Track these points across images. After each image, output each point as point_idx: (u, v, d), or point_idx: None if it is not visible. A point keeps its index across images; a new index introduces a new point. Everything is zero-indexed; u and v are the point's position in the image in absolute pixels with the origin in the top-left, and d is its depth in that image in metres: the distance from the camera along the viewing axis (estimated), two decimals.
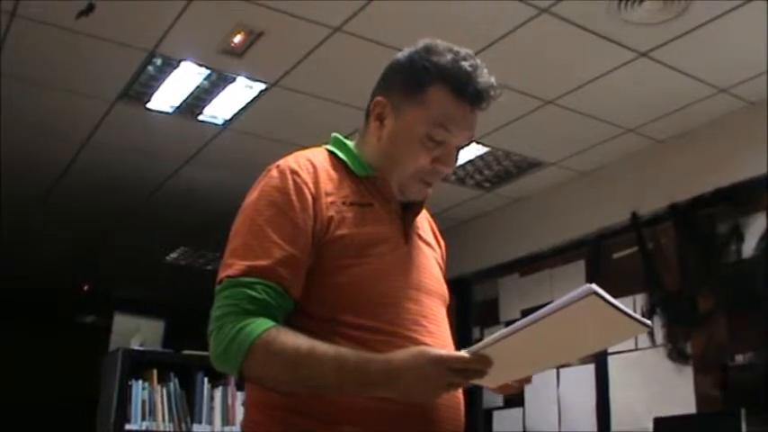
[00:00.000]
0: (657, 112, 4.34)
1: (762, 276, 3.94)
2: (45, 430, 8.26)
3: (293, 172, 1.50)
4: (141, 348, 4.28)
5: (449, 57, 1.53)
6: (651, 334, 4.39)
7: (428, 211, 1.71)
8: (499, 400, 5.40)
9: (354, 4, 3.41)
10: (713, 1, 3.32)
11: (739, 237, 4.13)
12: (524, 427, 5.23)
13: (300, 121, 4.47)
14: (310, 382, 1.36)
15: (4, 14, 3.49)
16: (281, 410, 1.43)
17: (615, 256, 4.85)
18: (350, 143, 1.64)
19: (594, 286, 1.23)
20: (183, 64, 3.95)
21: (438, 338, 1.51)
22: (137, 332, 4.44)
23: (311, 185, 1.49)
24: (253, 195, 1.51)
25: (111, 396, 4.04)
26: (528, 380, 1.60)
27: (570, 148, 4.82)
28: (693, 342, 4.26)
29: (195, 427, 4.12)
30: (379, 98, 1.59)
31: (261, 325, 1.37)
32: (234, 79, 4.10)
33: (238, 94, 4.26)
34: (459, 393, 1.52)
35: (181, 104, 4.37)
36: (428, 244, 1.65)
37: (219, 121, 4.59)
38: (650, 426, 4.15)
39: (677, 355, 4.30)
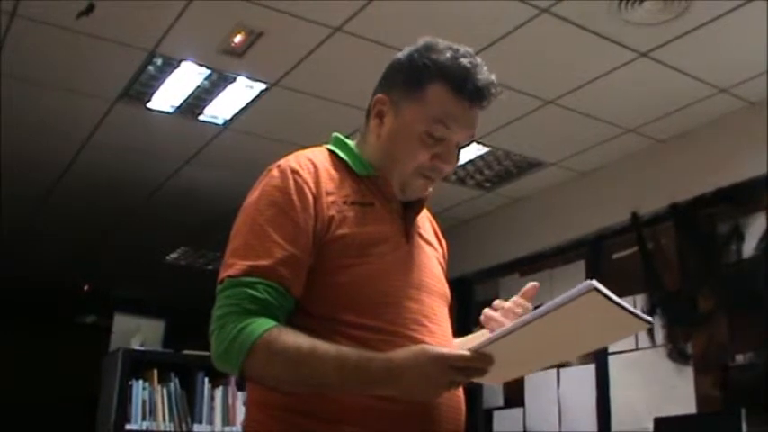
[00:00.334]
0: (658, 112, 4.34)
1: (762, 276, 3.94)
2: (45, 430, 8.26)
3: (294, 172, 1.50)
4: (142, 348, 4.29)
5: (448, 54, 1.53)
6: (651, 334, 4.39)
7: (429, 210, 1.71)
8: (500, 400, 5.40)
9: (354, 4, 3.41)
10: (713, 1, 3.32)
11: (740, 237, 4.13)
12: (525, 426, 5.23)
13: (301, 121, 4.47)
14: (311, 381, 1.36)
15: (4, 14, 3.49)
16: (282, 410, 1.43)
17: (615, 256, 4.85)
18: (351, 143, 1.64)
19: (595, 282, 1.23)
20: (183, 64, 3.95)
21: (439, 338, 1.51)
22: (137, 332, 4.44)
23: (312, 185, 1.49)
24: (254, 195, 1.51)
25: (111, 396, 4.05)
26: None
27: (570, 148, 4.82)
28: (694, 342, 4.26)
29: (196, 427, 4.12)
30: (379, 96, 1.59)
31: (262, 324, 1.37)
32: (234, 79, 4.10)
33: (239, 94, 4.26)
34: (460, 393, 1.53)
35: (181, 104, 4.37)
36: (429, 243, 1.65)
37: (220, 121, 4.59)
38: (650, 426, 4.15)
39: (678, 355, 4.30)
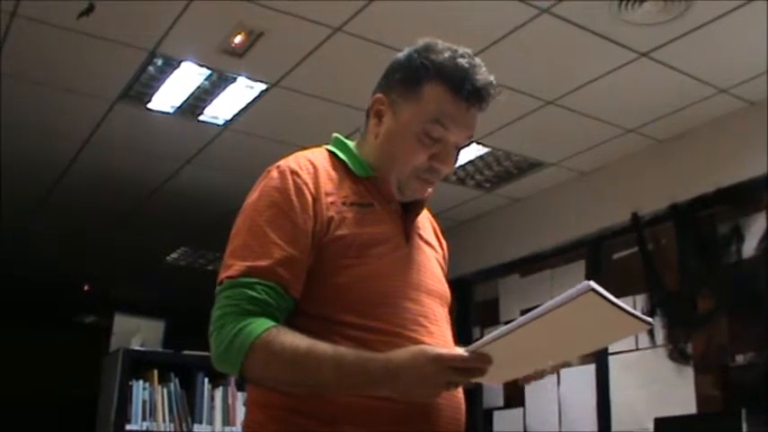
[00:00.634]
0: (658, 113, 4.33)
1: (762, 276, 3.94)
2: (45, 430, 8.27)
3: (293, 172, 1.50)
4: (142, 348, 4.29)
5: (447, 55, 1.53)
6: (652, 334, 4.39)
7: (429, 211, 1.71)
8: (500, 401, 5.40)
9: (355, 4, 3.41)
10: (714, 1, 3.32)
11: (740, 237, 4.13)
12: (525, 427, 5.23)
13: (301, 122, 4.47)
14: (310, 382, 1.36)
15: (4, 14, 3.49)
16: (281, 410, 1.43)
17: (615, 256, 4.85)
18: (350, 143, 1.64)
19: (592, 283, 1.23)
20: (183, 64, 3.95)
21: (438, 339, 1.51)
22: (137, 332, 4.44)
23: (311, 186, 1.49)
24: (253, 196, 1.52)
25: (111, 396, 4.05)
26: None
27: (570, 148, 4.82)
28: (694, 342, 4.26)
29: (196, 427, 4.13)
30: (378, 96, 1.59)
31: (261, 325, 1.37)
32: (234, 79, 4.10)
33: (239, 95, 4.26)
34: (460, 393, 1.53)
35: (181, 104, 4.37)
36: (429, 244, 1.65)
37: (220, 122, 4.59)
38: (651, 426, 4.15)
39: (678, 356, 4.30)
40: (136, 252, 7.14)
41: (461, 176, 5.24)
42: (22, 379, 8.50)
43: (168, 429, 4.05)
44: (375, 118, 1.60)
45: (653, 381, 4.41)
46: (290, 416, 1.42)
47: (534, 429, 5.17)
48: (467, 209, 5.79)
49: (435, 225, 1.75)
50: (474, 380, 1.37)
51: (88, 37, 3.66)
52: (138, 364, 4.11)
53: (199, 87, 4.19)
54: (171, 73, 4.03)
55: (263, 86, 4.16)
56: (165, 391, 4.12)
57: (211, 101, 4.33)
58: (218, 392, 4.24)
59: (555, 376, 4.98)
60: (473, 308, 5.88)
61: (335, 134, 1.68)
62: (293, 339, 1.36)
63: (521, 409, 5.25)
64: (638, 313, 1.33)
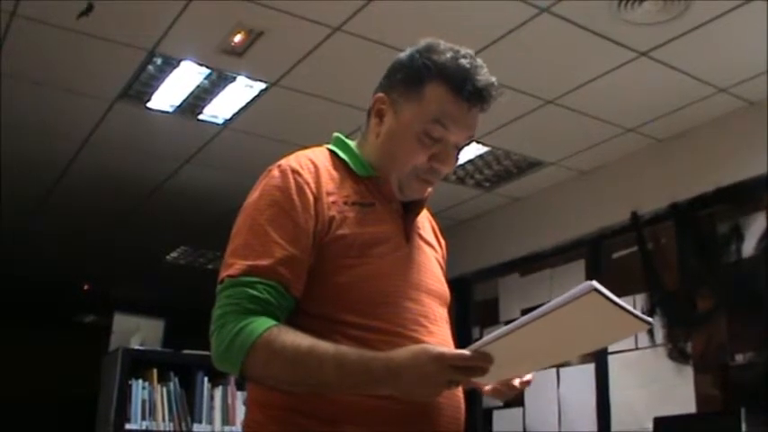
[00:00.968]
0: (657, 112, 4.34)
1: (762, 276, 3.94)
2: (45, 430, 8.27)
3: (294, 171, 1.50)
4: (141, 348, 4.28)
5: (449, 55, 1.54)
6: (651, 334, 4.39)
7: (429, 210, 1.71)
8: (499, 400, 5.40)
9: (354, 3, 3.41)
10: (713, 1, 3.32)
11: (739, 236, 4.13)
12: (524, 426, 5.23)
13: (301, 121, 4.47)
14: (311, 381, 1.36)
15: (3, 14, 3.48)
16: (282, 410, 1.43)
17: (615, 255, 4.85)
18: (351, 142, 1.64)
19: (595, 283, 1.23)
20: (183, 63, 3.95)
21: (439, 338, 1.51)
22: (137, 331, 4.44)
23: (312, 185, 1.49)
24: (254, 195, 1.51)
25: (110, 395, 4.04)
26: (527, 383, 1.61)
27: (570, 147, 4.82)
28: (693, 342, 4.26)
29: (195, 426, 4.12)
30: (379, 95, 1.59)
31: (262, 324, 1.37)
32: (234, 79, 4.10)
33: (238, 94, 4.26)
34: (460, 393, 1.53)
35: (181, 104, 4.37)
36: (429, 244, 1.65)
37: (220, 121, 4.59)
38: (650, 425, 4.15)
39: (677, 355, 4.30)
40: (135, 251, 7.14)
41: (461, 176, 5.24)
42: (21, 379, 8.50)
43: (168, 429, 4.05)
44: (376, 117, 1.60)
45: (652, 380, 4.41)
46: (291, 415, 1.42)
47: (534, 429, 5.17)
48: (466, 208, 5.79)
49: (434, 224, 1.75)
50: (475, 379, 1.37)
51: (88, 37, 3.66)
52: (138, 364, 4.11)
53: (198, 87, 4.19)
54: (170, 72, 4.03)
55: (262, 86, 4.16)
56: (165, 390, 4.11)
57: (211, 100, 4.32)
58: (218, 392, 4.24)
59: (555, 376, 4.99)
60: (473, 307, 5.88)
61: (336, 133, 1.68)
62: (294, 339, 1.36)
63: (520, 409, 5.26)
64: (638, 313, 1.34)
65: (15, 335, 8.64)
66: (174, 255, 7.33)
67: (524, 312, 1.30)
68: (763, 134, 4.04)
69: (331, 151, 1.62)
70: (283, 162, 1.53)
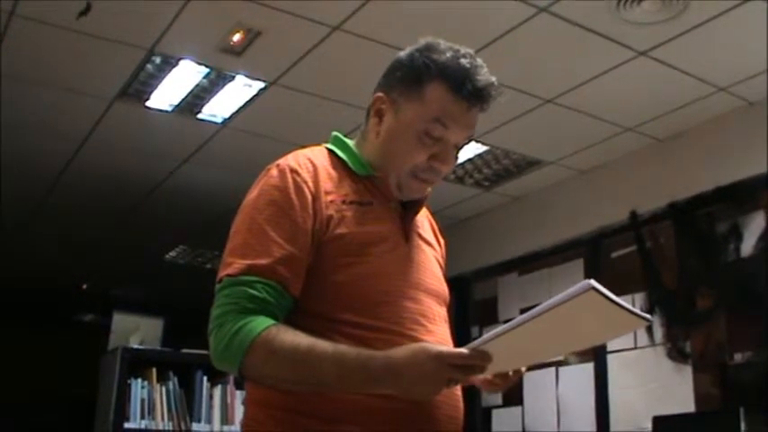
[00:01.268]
0: (657, 111, 4.34)
1: (761, 275, 3.94)
2: (44, 429, 8.25)
3: (293, 171, 1.50)
4: (140, 347, 4.28)
5: (449, 54, 1.53)
6: (650, 333, 4.39)
7: (428, 209, 1.71)
8: (498, 399, 5.40)
9: (353, 3, 3.41)
10: (712, 0, 3.32)
11: (738, 235, 4.13)
12: (523, 426, 5.23)
13: (299, 120, 4.47)
14: (310, 380, 1.36)
15: (3, 14, 3.48)
16: (281, 409, 1.43)
17: (614, 254, 4.85)
18: (350, 142, 1.64)
19: (593, 282, 1.23)
20: (182, 62, 3.95)
21: (437, 337, 1.51)
22: (136, 331, 4.44)
23: (311, 184, 1.49)
24: (252, 194, 1.51)
25: (109, 395, 4.04)
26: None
27: (569, 146, 4.82)
28: (693, 341, 4.26)
29: (194, 425, 4.12)
30: (378, 94, 1.59)
31: (261, 323, 1.37)
32: (233, 78, 4.10)
33: (237, 93, 4.26)
34: (459, 391, 1.53)
35: (180, 103, 4.37)
36: (428, 243, 1.65)
37: (218, 120, 4.59)
38: (649, 425, 4.15)
39: (676, 354, 4.30)
40: (135, 251, 7.14)
41: (460, 175, 5.25)
42: (21, 378, 8.50)
43: (167, 428, 4.05)
44: (376, 117, 1.59)
45: (652, 379, 4.41)
46: (290, 415, 1.42)
47: (533, 428, 5.18)
48: (465, 207, 5.79)
49: (434, 223, 1.75)
50: (473, 379, 1.37)
51: (86, 36, 3.66)
52: (137, 363, 4.10)
53: (197, 86, 4.19)
54: (169, 71, 4.04)
55: (261, 85, 4.16)
56: (164, 389, 4.11)
57: (210, 99, 4.33)
58: (217, 391, 4.24)
59: (554, 375, 4.99)
60: (472, 306, 5.88)
61: (335, 132, 1.68)
62: (293, 338, 1.36)
63: (519, 408, 5.26)
64: (636, 310, 1.34)
65: (14, 334, 8.63)
66: (173, 254, 7.33)
67: (523, 311, 1.30)
68: (763, 134, 4.04)
69: (330, 150, 1.62)
70: (282, 161, 1.53)
